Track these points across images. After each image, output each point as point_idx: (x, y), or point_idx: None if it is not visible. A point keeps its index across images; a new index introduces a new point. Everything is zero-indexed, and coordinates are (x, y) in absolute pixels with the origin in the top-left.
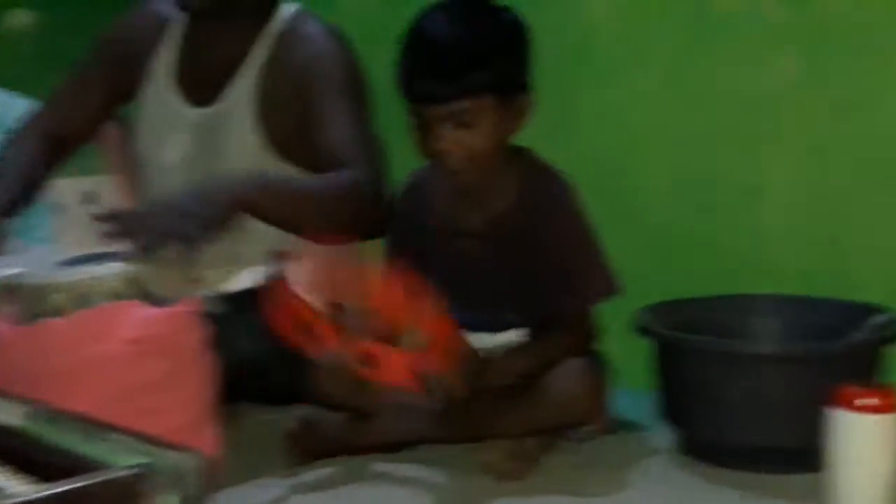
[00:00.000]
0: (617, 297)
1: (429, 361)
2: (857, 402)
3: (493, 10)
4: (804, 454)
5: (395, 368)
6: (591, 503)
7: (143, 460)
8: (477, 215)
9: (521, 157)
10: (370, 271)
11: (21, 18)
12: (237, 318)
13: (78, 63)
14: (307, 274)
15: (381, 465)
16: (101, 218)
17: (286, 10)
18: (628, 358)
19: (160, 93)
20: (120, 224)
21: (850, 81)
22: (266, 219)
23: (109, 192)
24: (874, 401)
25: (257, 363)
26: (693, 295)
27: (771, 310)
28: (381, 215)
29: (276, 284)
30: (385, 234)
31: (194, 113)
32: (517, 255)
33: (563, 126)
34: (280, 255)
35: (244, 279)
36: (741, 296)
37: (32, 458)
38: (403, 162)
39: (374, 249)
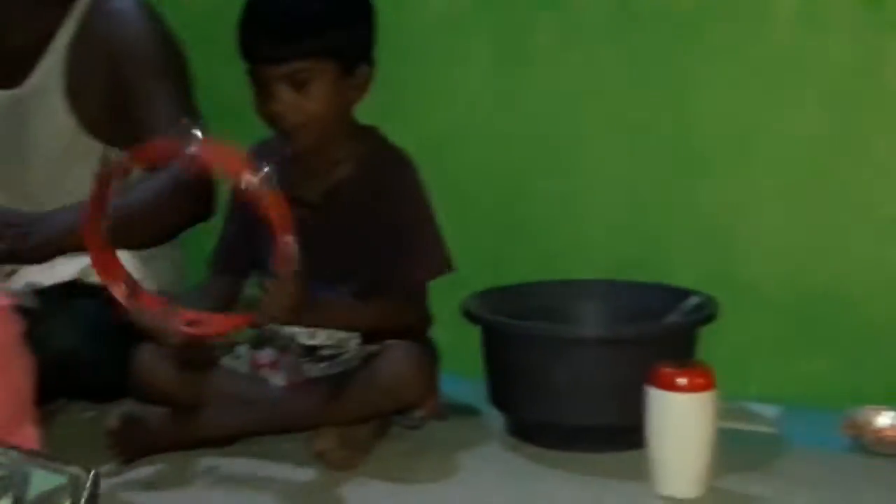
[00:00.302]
0: (449, 275)
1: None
2: (675, 381)
3: None
4: (628, 432)
5: (220, 325)
6: (422, 489)
7: None
8: (315, 185)
9: (365, 133)
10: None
11: None
12: (54, 312)
13: None
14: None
15: (209, 461)
16: None
17: None
18: (459, 343)
19: None
20: None
21: (664, 78)
22: None
23: None
24: (690, 379)
25: (76, 358)
26: (520, 281)
27: (594, 294)
28: (212, 202)
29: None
30: (212, 214)
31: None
32: (355, 227)
33: (392, 109)
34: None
35: (60, 272)
36: (565, 281)
37: None
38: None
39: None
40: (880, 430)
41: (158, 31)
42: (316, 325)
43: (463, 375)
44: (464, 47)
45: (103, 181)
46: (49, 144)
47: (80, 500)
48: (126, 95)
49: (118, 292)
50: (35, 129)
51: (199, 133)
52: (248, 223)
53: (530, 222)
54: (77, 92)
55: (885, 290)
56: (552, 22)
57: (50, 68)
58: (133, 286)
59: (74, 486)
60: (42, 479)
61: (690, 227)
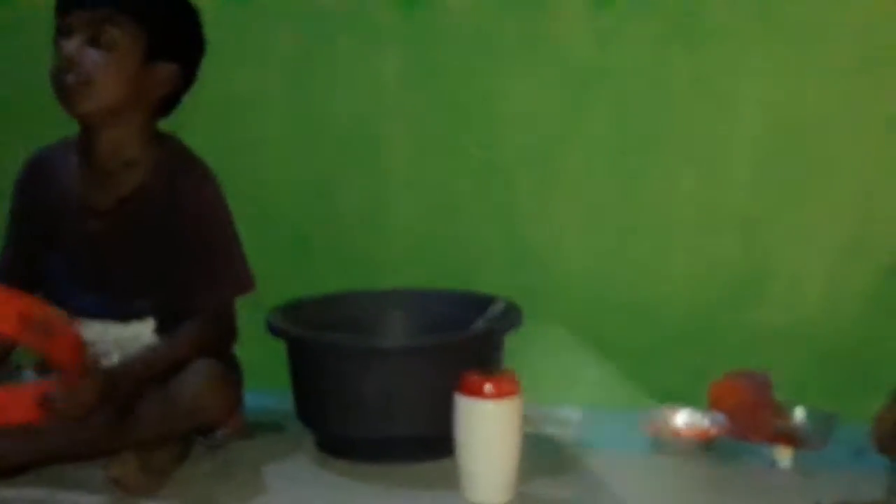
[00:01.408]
0: (251, 293)
1: (53, 385)
2: (481, 388)
3: None
4: (438, 442)
5: (16, 406)
6: None
7: None
8: (108, 192)
9: (163, 139)
10: None
11: None
12: None
13: None
14: None
15: None
16: None
17: None
18: (264, 358)
19: None
20: None
21: (459, 82)
22: None
23: None
24: (496, 386)
25: None
26: (326, 293)
27: (401, 304)
28: None
29: None
30: None
31: None
32: (149, 239)
33: (186, 114)
34: None
35: None
36: (371, 291)
37: None
38: None
39: None
40: (678, 429)
41: None
42: (128, 401)
43: (269, 390)
44: (262, 49)
45: None
46: None
47: None
48: None
49: None
50: None
51: None
52: (27, 244)
53: (335, 232)
54: None
55: (672, 294)
56: (352, 25)
57: None
58: None
59: None
60: None
61: (495, 235)
